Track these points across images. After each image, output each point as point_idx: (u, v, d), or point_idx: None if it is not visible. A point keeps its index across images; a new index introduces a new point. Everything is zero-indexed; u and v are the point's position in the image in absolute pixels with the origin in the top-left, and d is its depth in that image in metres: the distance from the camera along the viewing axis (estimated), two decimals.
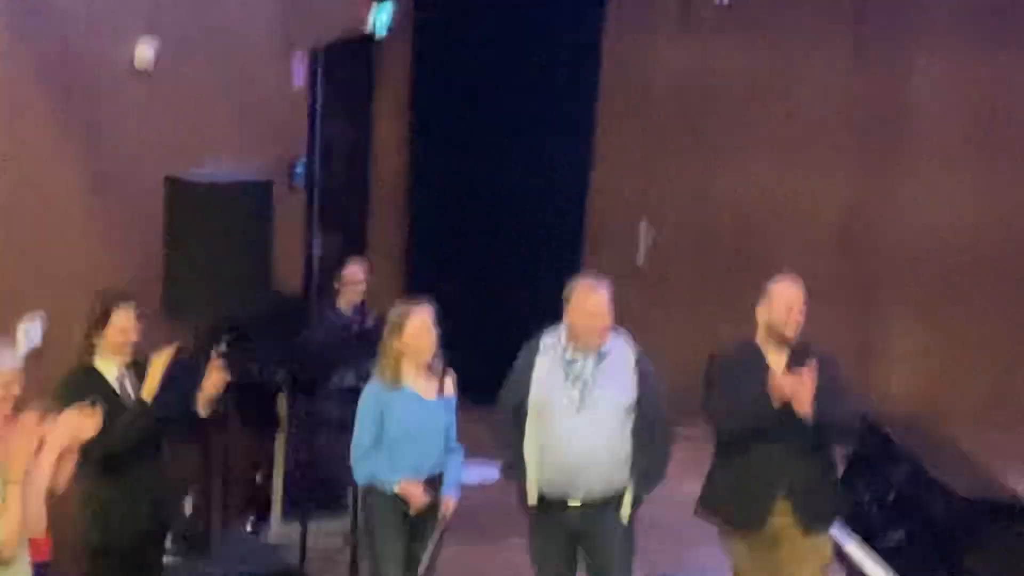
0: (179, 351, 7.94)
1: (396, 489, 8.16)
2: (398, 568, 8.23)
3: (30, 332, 8.17)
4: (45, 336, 8.25)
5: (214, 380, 7.92)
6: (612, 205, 13.00)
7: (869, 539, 8.69)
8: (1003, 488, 8.39)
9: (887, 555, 8.51)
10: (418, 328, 8.20)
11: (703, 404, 8.46)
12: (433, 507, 8.24)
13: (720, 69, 12.90)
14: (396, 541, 8.24)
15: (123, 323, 7.71)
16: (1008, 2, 12.51)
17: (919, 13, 12.60)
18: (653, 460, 8.23)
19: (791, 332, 8.21)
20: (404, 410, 8.20)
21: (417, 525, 8.26)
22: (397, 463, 8.19)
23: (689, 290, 12.74)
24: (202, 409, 7.97)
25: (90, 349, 7.76)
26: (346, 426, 8.78)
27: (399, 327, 8.23)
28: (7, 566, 6.73)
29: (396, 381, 8.22)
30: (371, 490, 8.29)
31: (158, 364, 7.76)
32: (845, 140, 12.84)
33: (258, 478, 10.17)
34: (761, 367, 8.18)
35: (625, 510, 8.26)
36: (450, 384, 8.37)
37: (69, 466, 7.17)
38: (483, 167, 12.70)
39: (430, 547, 8.27)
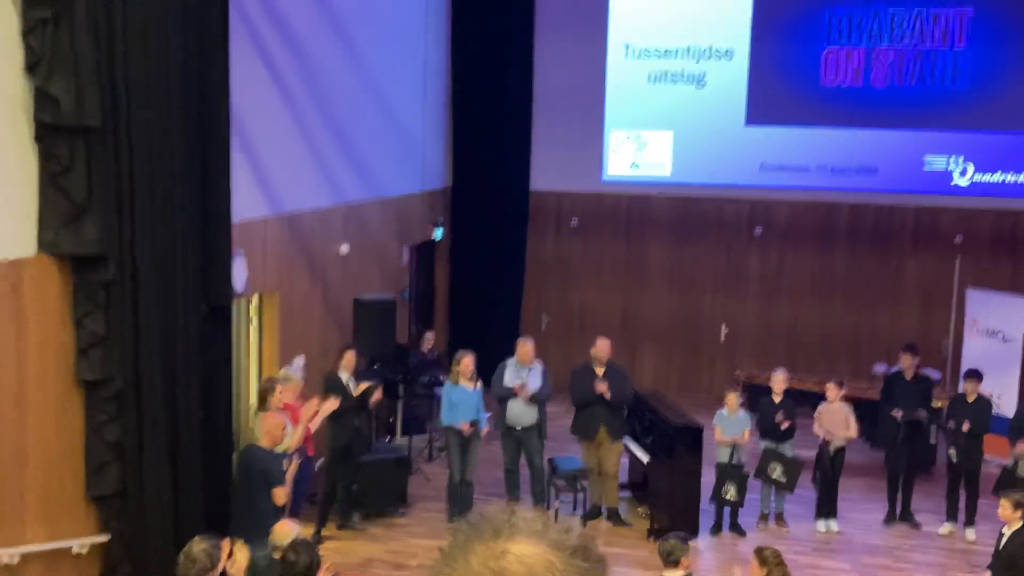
0: (371, 387, 7.94)
1: (459, 427, 8.09)
2: (458, 462, 8.12)
3: (298, 363, 8.25)
4: (305, 365, 8.33)
5: (377, 398, 7.97)
6: (530, 307, 12.89)
7: (638, 440, 8.70)
8: (690, 419, 8.44)
9: (645, 447, 8.55)
10: (466, 361, 8.16)
11: (569, 390, 8.55)
12: (475, 434, 8.16)
13: (573, 252, 12.80)
14: (457, 448, 8.15)
15: (350, 356, 7.80)
16: (695, 216, 12.47)
17: (648, 222, 12.50)
18: (544, 397, 8.25)
19: (605, 359, 8.35)
20: (460, 395, 8.13)
21: (465, 443, 8.18)
22: (458, 416, 8.09)
23: (562, 340, 12.58)
24: (371, 402, 7.96)
25: (336, 367, 7.84)
26: (426, 398, 8.80)
27: (458, 361, 8.20)
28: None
29: (456, 382, 8.16)
30: (449, 428, 8.18)
31: (362, 388, 7.87)
32: (621, 279, 12.73)
33: (391, 419, 10.13)
34: (592, 375, 8.29)
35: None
36: (479, 384, 8.25)
37: (319, 420, 7.31)
38: (482, 291, 12.50)
39: (477, 447, 8.14)
